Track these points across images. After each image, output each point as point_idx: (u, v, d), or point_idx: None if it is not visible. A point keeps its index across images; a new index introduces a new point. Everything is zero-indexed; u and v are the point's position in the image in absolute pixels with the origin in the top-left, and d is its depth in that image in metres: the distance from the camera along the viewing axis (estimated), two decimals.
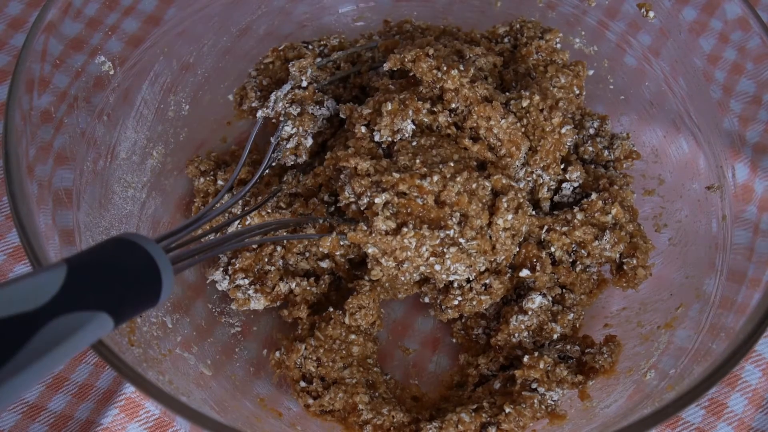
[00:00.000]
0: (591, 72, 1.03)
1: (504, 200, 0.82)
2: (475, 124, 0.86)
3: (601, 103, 1.04)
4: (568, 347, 0.85)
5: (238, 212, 0.87)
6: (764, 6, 1.19)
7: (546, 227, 0.88)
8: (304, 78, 0.91)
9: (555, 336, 0.85)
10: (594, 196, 0.88)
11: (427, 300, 0.92)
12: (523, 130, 0.86)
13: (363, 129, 0.86)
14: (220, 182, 0.93)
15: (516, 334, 0.85)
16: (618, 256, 0.88)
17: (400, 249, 0.82)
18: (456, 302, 0.87)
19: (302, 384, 0.84)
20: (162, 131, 0.98)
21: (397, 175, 0.79)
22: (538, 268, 0.87)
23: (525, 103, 0.86)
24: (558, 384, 0.82)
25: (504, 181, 0.84)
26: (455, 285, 0.87)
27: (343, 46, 1.01)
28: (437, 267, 0.83)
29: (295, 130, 0.89)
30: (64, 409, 0.89)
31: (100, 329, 0.55)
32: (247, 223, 0.87)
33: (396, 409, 0.83)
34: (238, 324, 0.93)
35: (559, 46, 0.97)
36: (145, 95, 0.96)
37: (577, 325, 0.86)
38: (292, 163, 0.91)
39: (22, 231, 0.69)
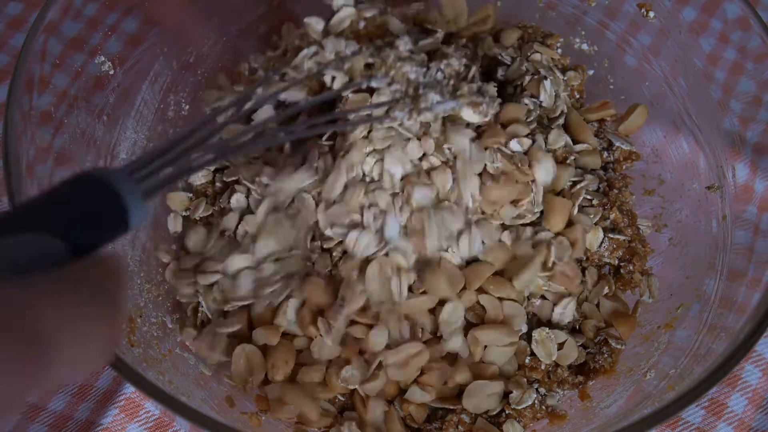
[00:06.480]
0: (591, 72, 1.03)
1: None
2: None
3: None
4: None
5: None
6: (764, 6, 1.19)
7: None
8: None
9: None
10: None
11: None
12: None
13: None
14: (218, 184, 0.93)
15: None
16: (616, 260, 0.88)
17: None
18: None
19: None
20: (162, 131, 0.98)
21: None
22: None
23: None
24: (558, 384, 0.82)
25: None
26: None
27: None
28: None
29: None
30: (64, 410, 0.89)
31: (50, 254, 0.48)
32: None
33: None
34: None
35: (560, 50, 0.97)
36: (145, 95, 0.96)
37: (577, 327, 0.86)
38: None
39: None
